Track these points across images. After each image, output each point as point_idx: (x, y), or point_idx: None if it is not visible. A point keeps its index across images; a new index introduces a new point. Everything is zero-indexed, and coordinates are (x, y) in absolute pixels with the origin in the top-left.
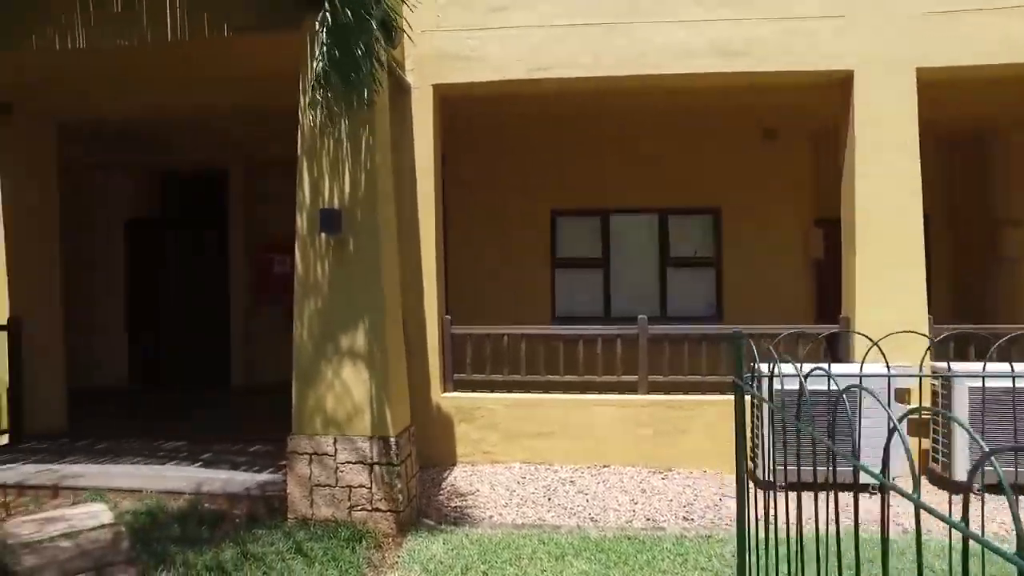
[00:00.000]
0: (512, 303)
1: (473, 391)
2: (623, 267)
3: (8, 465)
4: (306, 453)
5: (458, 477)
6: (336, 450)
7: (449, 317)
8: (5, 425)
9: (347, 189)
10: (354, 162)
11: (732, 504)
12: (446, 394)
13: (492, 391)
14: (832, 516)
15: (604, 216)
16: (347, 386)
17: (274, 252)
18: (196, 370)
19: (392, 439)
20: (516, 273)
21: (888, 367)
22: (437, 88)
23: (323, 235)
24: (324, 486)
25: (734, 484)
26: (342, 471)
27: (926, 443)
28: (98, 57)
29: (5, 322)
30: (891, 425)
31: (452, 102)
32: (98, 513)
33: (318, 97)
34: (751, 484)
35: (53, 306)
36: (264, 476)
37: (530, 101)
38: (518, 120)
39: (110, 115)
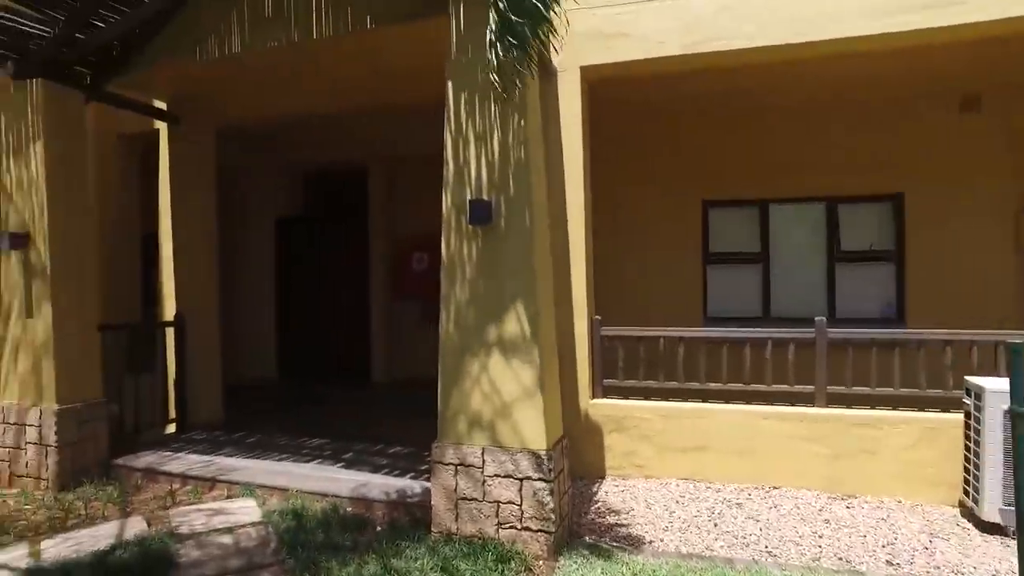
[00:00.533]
0: (659, 302)
1: (624, 398)
2: (784, 263)
3: (176, 454)
4: (452, 463)
5: (609, 492)
6: (484, 462)
7: (599, 318)
8: (173, 415)
9: (497, 176)
10: (504, 148)
11: (947, 548)
12: (595, 401)
13: (645, 399)
14: None
15: (763, 206)
16: (497, 392)
17: (412, 249)
18: (339, 365)
19: (545, 452)
20: (663, 270)
21: None
22: (585, 71)
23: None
24: (470, 500)
25: (941, 521)
26: (490, 485)
27: None
28: (250, 67)
29: (172, 318)
30: None
31: (596, 85)
32: (250, 510)
33: (468, 80)
34: (972, 525)
35: (212, 303)
36: (405, 481)
37: (680, 81)
38: (664, 102)
39: (261, 119)
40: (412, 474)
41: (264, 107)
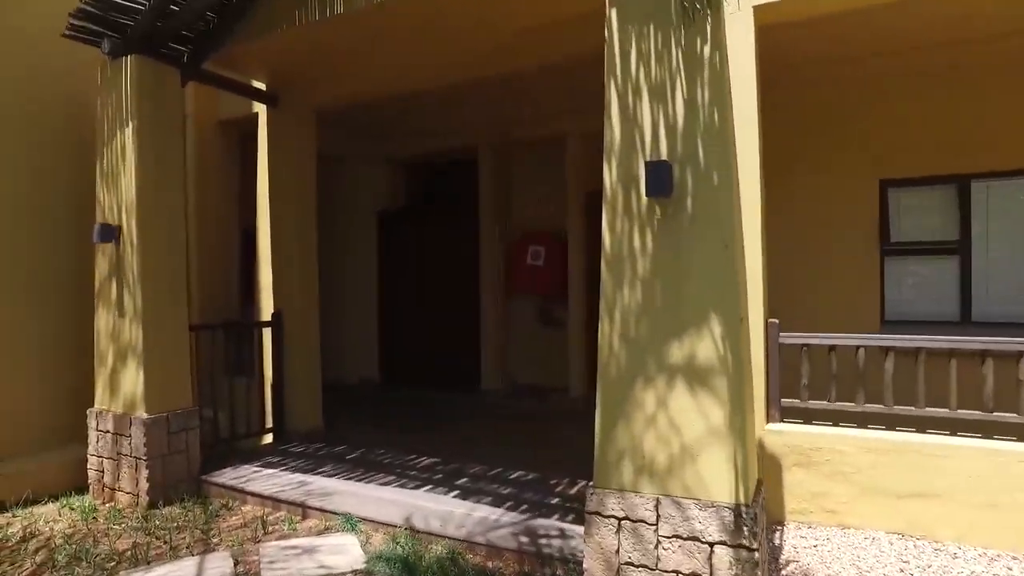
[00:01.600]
0: (823, 302)
1: (807, 423)
2: (992, 253)
3: (271, 470)
4: (612, 516)
5: (798, 548)
6: (658, 517)
7: (776, 321)
8: (270, 424)
9: (679, 133)
10: (690, 93)
11: None
12: (771, 425)
13: (835, 424)
14: None
15: (962, 183)
16: (678, 423)
17: (527, 242)
18: (446, 369)
19: (744, 508)
20: (827, 263)
21: None
22: (759, 13)
23: (644, 200)
24: (638, 567)
25: None
26: (665, 548)
27: None
28: (351, 37)
29: (270, 317)
30: None
31: (762, 34)
32: (350, 550)
33: (639, 7)
34: None
35: (312, 301)
36: (536, 522)
37: (858, 25)
38: (833, 60)
39: (364, 98)
40: (543, 511)
41: (368, 83)
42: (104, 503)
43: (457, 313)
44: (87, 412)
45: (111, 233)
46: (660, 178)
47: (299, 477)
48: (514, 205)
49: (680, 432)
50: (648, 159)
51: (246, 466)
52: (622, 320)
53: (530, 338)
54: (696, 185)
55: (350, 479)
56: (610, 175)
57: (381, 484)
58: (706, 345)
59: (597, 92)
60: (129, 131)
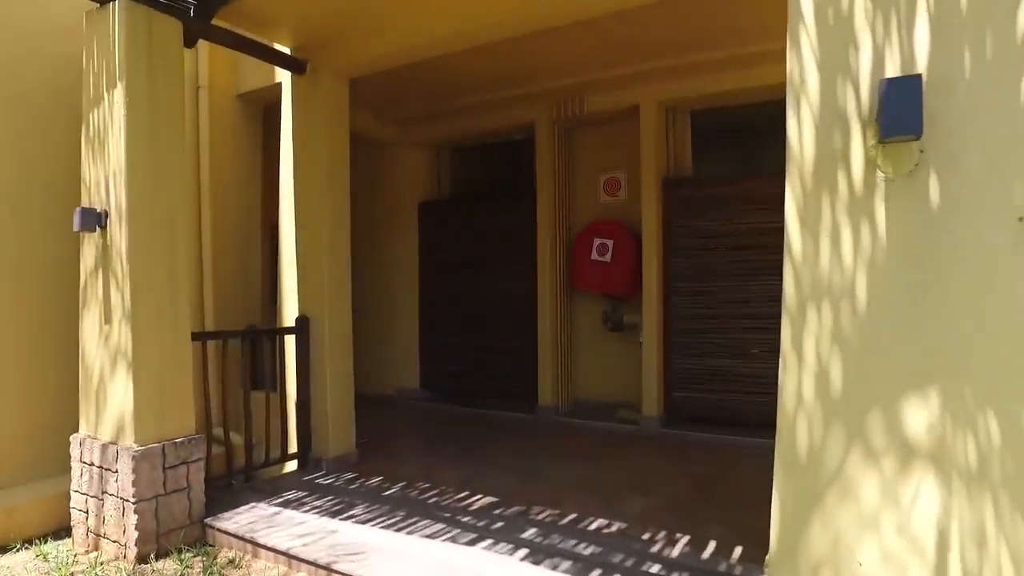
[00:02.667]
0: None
1: None
2: None
3: (291, 512)
4: None
5: None
6: None
7: None
8: (293, 448)
9: (925, 35)
10: None
11: None
12: None
13: None
14: None
15: None
16: (920, 526)
17: (592, 234)
18: (496, 380)
19: None
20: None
21: None
22: None
23: (863, 155)
24: None
25: None
26: None
27: None
28: None
29: (293, 323)
30: None
31: None
32: None
33: None
34: None
35: (343, 303)
36: None
37: None
38: None
39: (406, 61)
40: None
41: (412, 41)
42: (87, 552)
43: (509, 316)
44: (70, 439)
45: (95, 219)
46: (904, 105)
47: (325, 523)
48: (577, 191)
49: (922, 542)
50: (886, 78)
51: (262, 505)
52: (818, 358)
53: (595, 346)
54: (958, 119)
55: (388, 527)
56: (798, 125)
57: (427, 536)
58: (977, 399)
59: (680, 44)
60: (118, 93)
